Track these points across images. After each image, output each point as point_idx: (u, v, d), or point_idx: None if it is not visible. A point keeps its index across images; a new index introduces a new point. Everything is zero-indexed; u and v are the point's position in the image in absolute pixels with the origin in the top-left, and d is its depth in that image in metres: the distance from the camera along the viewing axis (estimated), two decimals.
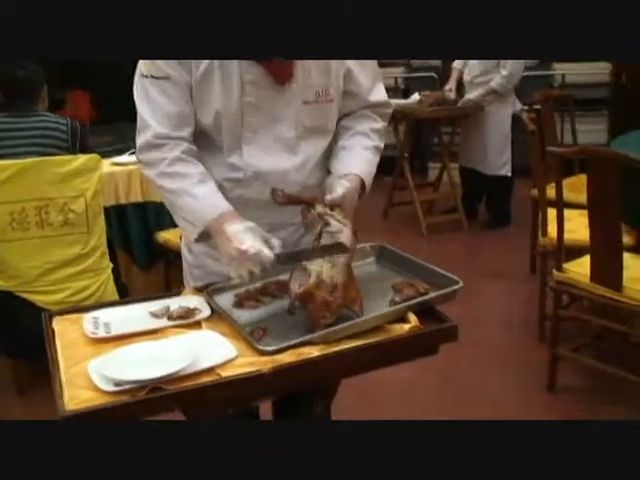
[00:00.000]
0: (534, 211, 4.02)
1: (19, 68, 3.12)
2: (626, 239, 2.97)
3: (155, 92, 1.68)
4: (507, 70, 4.99)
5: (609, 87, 6.74)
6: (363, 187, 1.79)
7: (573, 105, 4.87)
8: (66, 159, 3.00)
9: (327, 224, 1.63)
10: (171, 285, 3.78)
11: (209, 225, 1.67)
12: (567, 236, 2.99)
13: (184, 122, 1.71)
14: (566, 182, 3.33)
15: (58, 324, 1.66)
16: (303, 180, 1.78)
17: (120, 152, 4.07)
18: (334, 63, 1.75)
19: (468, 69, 5.32)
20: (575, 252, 3.05)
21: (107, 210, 3.37)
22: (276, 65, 1.67)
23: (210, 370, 1.43)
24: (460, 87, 5.44)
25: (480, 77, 5.20)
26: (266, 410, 2.10)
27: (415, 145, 6.74)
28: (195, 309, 1.68)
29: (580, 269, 2.93)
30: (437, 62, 6.98)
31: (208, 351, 1.47)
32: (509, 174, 5.28)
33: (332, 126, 1.84)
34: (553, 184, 2.98)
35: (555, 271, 3.01)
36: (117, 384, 1.36)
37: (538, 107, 4.51)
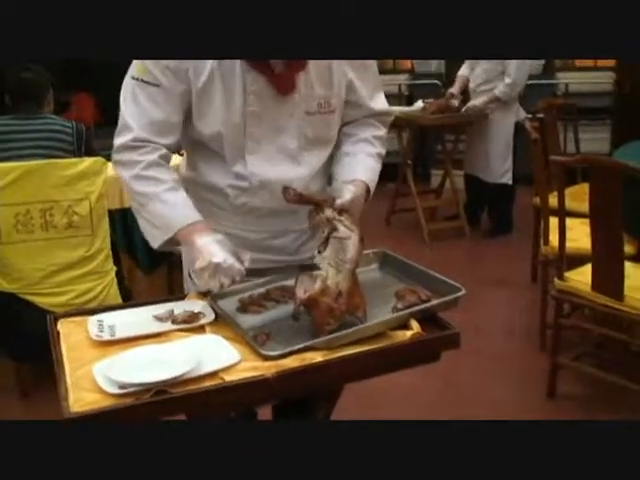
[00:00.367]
0: (536, 219, 4.03)
1: (25, 70, 3.15)
2: (627, 248, 2.98)
3: (143, 97, 1.68)
4: (511, 78, 5.00)
5: (612, 96, 6.76)
6: (368, 193, 1.81)
7: (576, 114, 4.87)
8: (71, 162, 3.02)
9: (335, 229, 1.64)
10: (174, 289, 3.78)
11: (177, 233, 1.68)
12: (569, 245, 3.00)
13: (168, 130, 1.72)
14: (568, 191, 3.34)
15: (63, 326, 1.67)
16: (305, 189, 1.79)
17: None
18: (336, 74, 1.77)
19: (473, 77, 5.34)
20: (577, 261, 3.06)
21: (111, 213, 3.37)
22: (279, 76, 1.68)
23: (214, 374, 1.44)
24: (465, 95, 5.45)
25: (483, 85, 5.21)
26: (266, 415, 2.11)
27: (418, 152, 6.75)
28: (199, 313, 1.69)
29: (581, 278, 2.94)
30: (441, 69, 6.99)
31: (212, 355, 1.48)
32: (510, 182, 5.28)
33: (334, 136, 1.86)
34: (555, 193, 3.00)
35: (556, 280, 3.02)
36: (122, 387, 1.37)
37: (541, 116, 4.53)
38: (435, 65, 7.04)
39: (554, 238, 3.11)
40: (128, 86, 1.71)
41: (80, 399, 1.36)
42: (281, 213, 1.82)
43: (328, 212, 1.65)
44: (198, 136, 1.76)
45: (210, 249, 1.61)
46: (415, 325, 1.60)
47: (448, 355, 1.64)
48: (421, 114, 5.37)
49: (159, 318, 1.69)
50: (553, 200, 3.15)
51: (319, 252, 1.63)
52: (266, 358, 1.48)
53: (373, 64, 1.88)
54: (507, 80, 5.02)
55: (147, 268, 3.97)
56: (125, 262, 3.82)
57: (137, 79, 1.68)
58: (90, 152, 3.16)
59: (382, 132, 1.92)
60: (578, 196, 3.80)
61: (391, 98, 1.95)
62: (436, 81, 6.81)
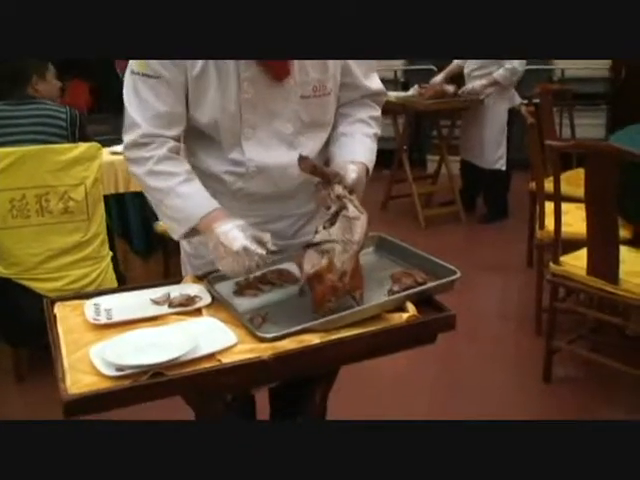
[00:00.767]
0: (532, 204, 4.04)
1: None
2: (623, 233, 2.99)
3: (145, 91, 1.68)
4: (511, 63, 4.99)
5: (608, 82, 6.75)
6: (367, 175, 1.81)
7: (572, 99, 4.88)
8: (66, 147, 3.01)
9: (345, 207, 1.63)
10: (169, 274, 3.79)
11: (197, 224, 1.68)
12: (564, 229, 3.01)
13: (174, 122, 1.71)
14: (564, 176, 3.35)
15: (60, 310, 1.67)
16: (302, 173, 1.79)
17: (119, 141, 4.04)
18: None
19: (468, 61, 5.33)
20: (572, 245, 3.07)
21: (106, 198, 3.37)
22: (273, 61, 1.67)
23: (210, 356, 1.44)
24: (459, 79, 5.44)
25: (477, 70, 5.22)
26: (262, 397, 2.12)
27: (414, 138, 6.75)
28: (196, 297, 1.69)
29: (577, 262, 2.95)
30: None
31: (208, 338, 1.49)
32: (504, 168, 5.29)
33: (330, 119, 1.85)
34: (551, 178, 3.00)
35: (552, 264, 3.03)
36: (119, 369, 1.37)
37: (537, 101, 4.52)
38: None
39: (549, 223, 3.12)
40: (129, 81, 1.70)
41: (77, 381, 1.36)
42: (278, 198, 1.82)
43: (339, 189, 1.64)
44: (194, 124, 1.76)
45: (231, 235, 1.61)
46: (411, 307, 1.60)
47: (443, 339, 1.65)
48: (417, 99, 5.36)
49: (156, 301, 1.69)
50: (549, 185, 3.15)
51: (324, 228, 1.62)
52: (262, 340, 1.49)
53: None
54: (507, 65, 5.01)
55: (142, 253, 3.98)
56: (120, 247, 3.82)
57: (138, 73, 1.68)
58: (84, 138, 3.14)
59: (378, 112, 1.93)
60: (573, 181, 3.81)
61: (387, 84, 1.96)
62: (432, 66, 6.78)
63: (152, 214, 3.96)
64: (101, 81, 6.98)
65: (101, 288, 3.02)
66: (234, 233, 1.62)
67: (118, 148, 3.89)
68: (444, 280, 1.68)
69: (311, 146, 1.81)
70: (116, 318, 1.61)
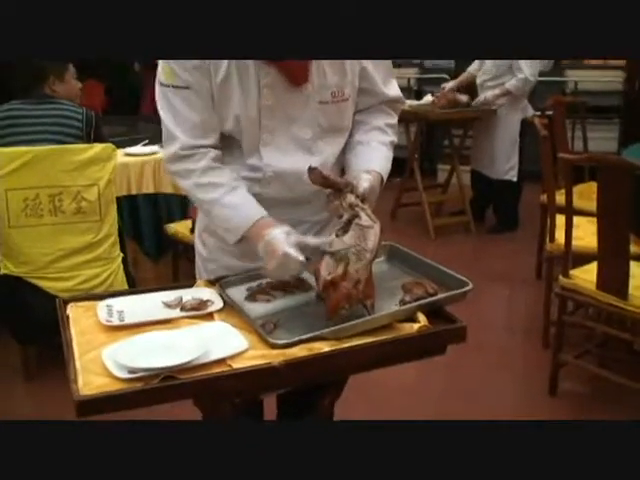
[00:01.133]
0: (542, 216, 4.03)
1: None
2: (633, 248, 2.99)
3: (178, 102, 1.70)
4: (524, 73, 5.00)
5: (621, 95, 6.74)
6: (381, 184, 1.81)
7: (585, 112, 4.87)
8: (81, 148, 3.03)
9: (357, 216, 1.63)
10: (179, 277, 3.80)
11: (245, 234, 1.71)
12: (575, 243, 3.01)
13: (209, 130, 1.73)
14: (576, 189, 3.35)
15: (72, 310, 1.68)
16: None
17: (133, 142, 4.08)
18: (348, 62, 1.76)
19: (482, 71, 5.34)
20: (582, 259, 3.07)
21: (119, 200, 3.38)
22: (291, 67, 1.68)
23: (221, 361, 1.45)
24: (472, 90, 5.44)
25: (491, 81, 5.23)
26: (270, 402, 2.13)
27: (425, 147, 6.75)
28: (208, 301, 1.70)
29: (586, 276, 2.95)
30: (450, 64, 6.98)
31: (220, 342, 1.49)
32: (515, 179, 5.29)
33: (348, 124, 1.86)
34: (563, 190, 3.00)
35: (561, 277, 3.02)
36: (131, 371, 1.38)
37: (550, 113, 4.52)
38: None
39: (560, 235, 3.12)
40: (160, 94, 1.72)
41: (89, 382, 1.37)
42: (294, 204, 1.83)
43: (351, 198, 1.65)
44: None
45: (275, 241, 1.64)
46: (422, 318, 1.61)
47: (451, 350, 1.65)
48: (430, 108, 5.37)
49: (168, 304, 1.70)
50: (560, 198, 3.15)
51: (337, 235, 1.63)
52: (274, 346, 1.49)
53: None
54: (519, 75, 5.01)
55: (153, 255, 4.00)
56: (131, 249, 3.84)
57: (167, 85, 1.70)
58: (99, 139, 3.17)
59: (394, 120, 1.93)
60: (585, 194, 3.81)
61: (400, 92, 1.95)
62: (445, 75, 6.79)
63: (164, 216, 4.00)
64: (117, 82, 7.03)
65: (111, 289, 3.04)
66: (279, 239, 1.64)
67: (133, 150, 3.92)
68: (457, 291, 1.68)
69: (329, 151, 1.82)
70: (128, 320, 1.62)
